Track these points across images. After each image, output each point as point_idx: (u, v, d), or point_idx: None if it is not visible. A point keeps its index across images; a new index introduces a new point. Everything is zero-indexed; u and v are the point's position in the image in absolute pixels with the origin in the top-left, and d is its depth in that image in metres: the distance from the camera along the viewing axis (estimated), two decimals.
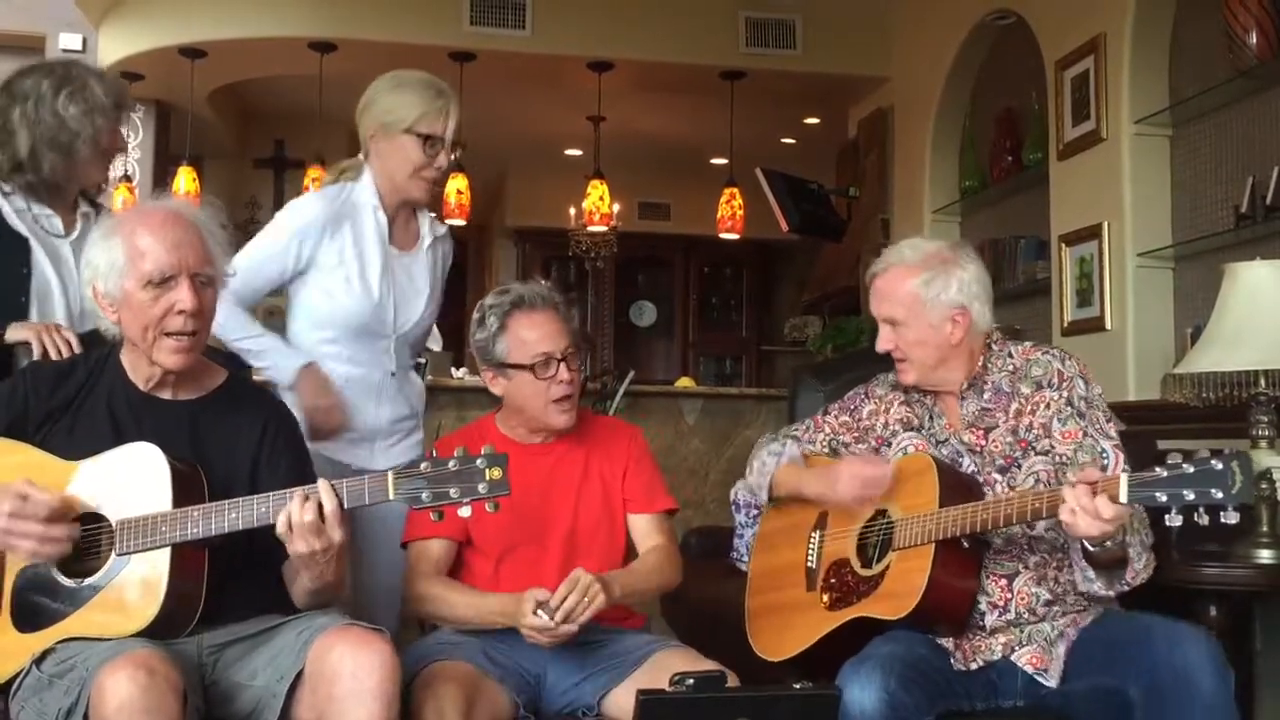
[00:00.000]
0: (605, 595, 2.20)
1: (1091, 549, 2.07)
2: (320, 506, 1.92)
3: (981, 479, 2.30)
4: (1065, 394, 2.30)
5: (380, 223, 2.65)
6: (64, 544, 1.96)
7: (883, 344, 2.36)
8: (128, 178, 6.93)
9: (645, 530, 2.48)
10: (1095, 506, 1.94)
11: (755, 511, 2.63)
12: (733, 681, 2.12)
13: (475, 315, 2.45)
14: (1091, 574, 2.14)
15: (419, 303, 2.71)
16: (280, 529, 1.93)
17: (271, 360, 2.54)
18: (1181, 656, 2.02)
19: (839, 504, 2.34)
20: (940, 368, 2.35)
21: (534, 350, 2.37)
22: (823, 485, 2.35)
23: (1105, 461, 2.22)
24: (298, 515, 1.91)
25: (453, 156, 2.64)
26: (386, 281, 2.64)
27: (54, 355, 2.32)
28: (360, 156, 2.70)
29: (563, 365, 2.37)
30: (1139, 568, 2.13)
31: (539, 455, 2.46)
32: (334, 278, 2.60)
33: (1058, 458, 2.26)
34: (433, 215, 2.78)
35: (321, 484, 1.95)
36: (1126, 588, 2.16)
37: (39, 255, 2.54)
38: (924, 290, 2.31)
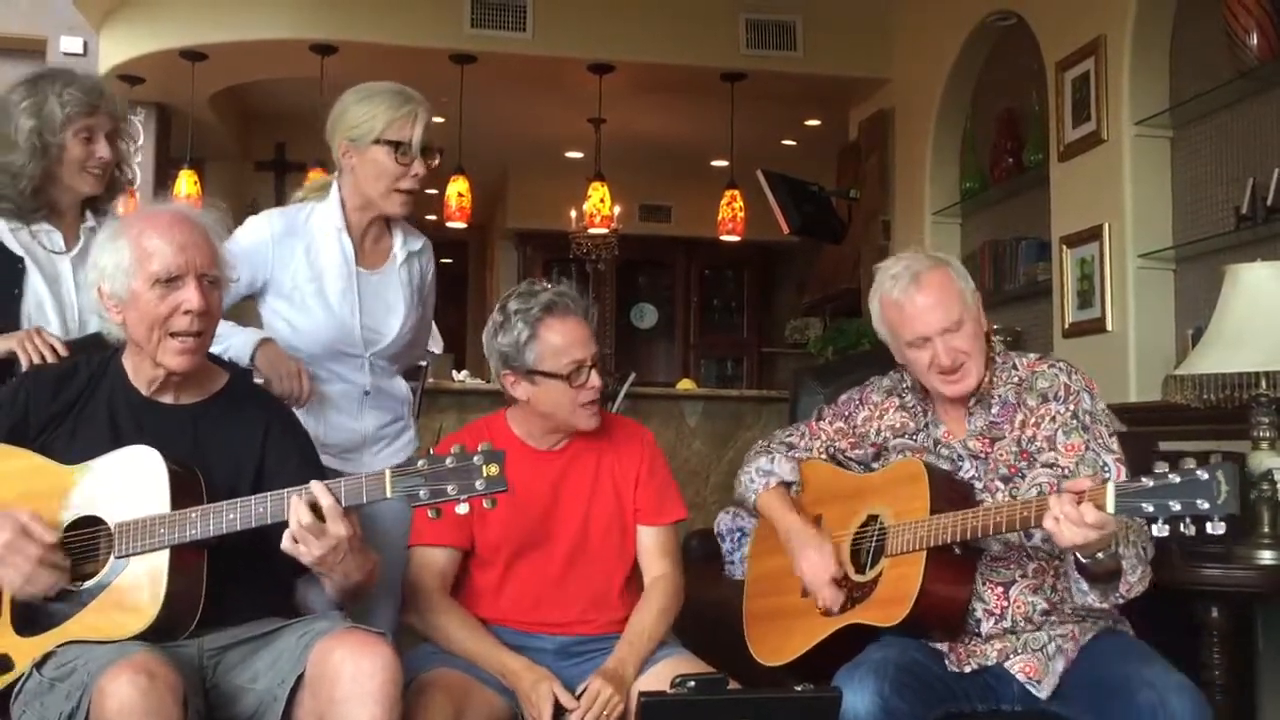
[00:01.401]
0: (622, 697, 2.20)
1: (1084, 560, 2.06)
2: (315, 506, 1.92)
3: (983, 486, 2.29)
4: (1071, 407, 2.28)
5: (343, 243, 2.60)
6: (46, 590, 1.96)
7: (946, 357, 2.25)
8: (129, 181, 6.93)
9: (652, 548, 2.44)
10: (1079, 514, 1.92)
11: (740, 535, 2.64)
12: (734, 686, 2.11)
13: (496, 318, 2.39)
14: (1085, 586, 2.12)
15: (393, 321, 2.64)
16: (286, 544, 1.93)
17: (226, 341, 2.49)
18: (1166, 712, 1.99)
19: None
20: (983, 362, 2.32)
21: (566, 358, 2.32)
22: (788, 547, 2.39)
23: (1106, 475, 2.19)
24: (294, 522, 1.91)
25: (432, 163, 2.57)
26: (349, 301, 2.59)
27: (37, 360, 2.31)
28: (334, 175, 2.66)
29: (593, 371, 2.33)
30: (1133, 580, 2.10)
31: (549, 460, 2.43)
32: (291, 300, 2.57)
33: (1061, 470, 2.24)
34: (409, 229, 2.71)
35: (314, 484, 1.95)
36: (1121, 600, 2.13)
37: (34, 276, 2.51)
38: (964, 284, 2.30)
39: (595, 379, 2.34)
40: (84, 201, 2.63)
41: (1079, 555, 2.05)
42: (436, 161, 2.59)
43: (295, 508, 1.92)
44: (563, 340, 2.33)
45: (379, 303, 2.64)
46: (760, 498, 2.49)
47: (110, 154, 2.58)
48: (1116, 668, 2.12)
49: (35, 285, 2.52)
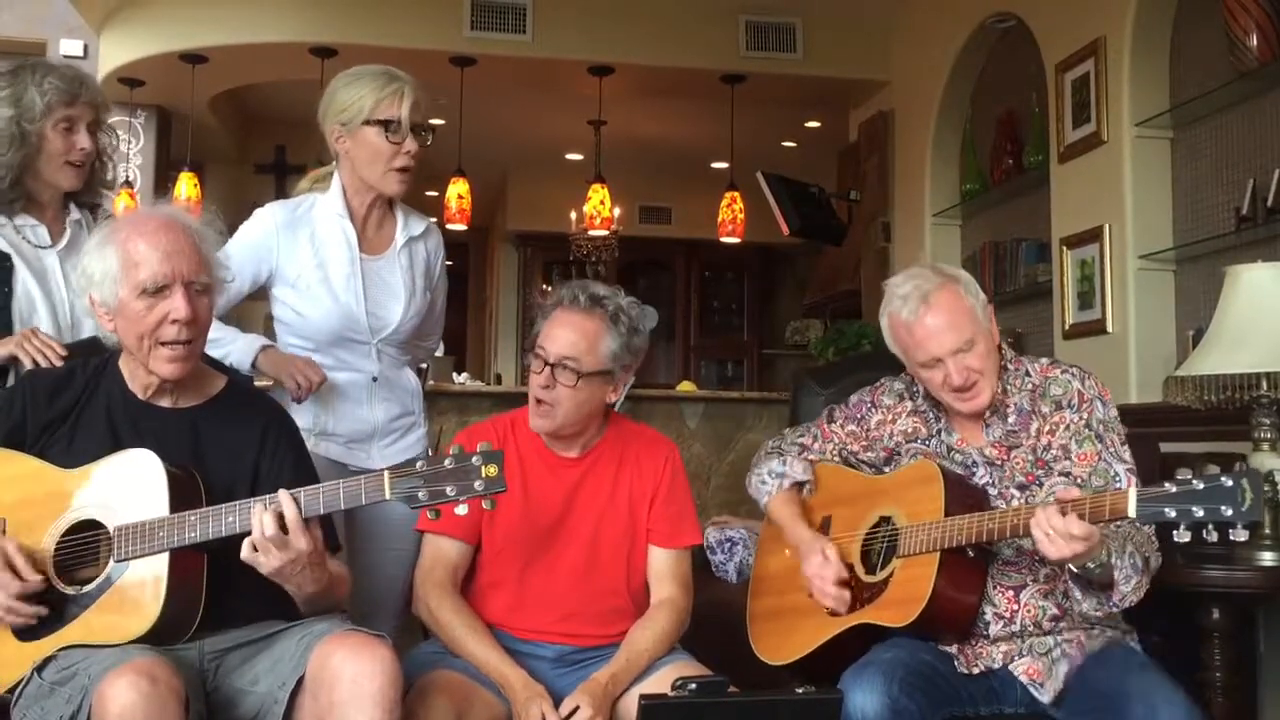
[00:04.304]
0: (605, 715, 2.19)
1: (1075, 570, 2.06)
2: (280, 517, 1.92)
3: (997, 493, 2.28)
4: (1084, 416, 2.27)
5: (346, 230, 2.61)
6: (28, 620, 1.96)
7: (958, 377, 2.24)
8: (129, 183, 6.94)
9: (661, 570, 2.41)
10: (1065, 526, 1.93)
11: (729, 545, 2.62)
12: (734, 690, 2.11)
13: None
14: (1078, 594, 2.11)
15: (395, 305, 2.64)
16: (245, 554, 1.93)
17: (228, 346, 2.50)
18: None
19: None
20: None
21: (538, 341, 2.35)
22: (796, 551, 2.38)
23: (1117, 485, 2.19)
24: (257, 532, 1.91)
25: (425, 141, 2.58)
26: (354, 287, 2.60)
27: (42, 363, 2.30)
28: (333, 164, 2.67)
29: (548, 370, 2.31)
30: (1126, 590, 2.08)
31: (567, 468, 2.41)
32: (297, 288, 2.58)
33: (1075, 480, 2.22)
34: (411, 212, 2.72)
35: (282, 494, 1.94)
36: (1115, 609, 2.12)
37: (22, 272, 2.49)
38: (974, 300, 2.28)
39: (540, 377, 2.31)
40: (65, 195, 2.60)
41: (1071, 565, 2.05)
42: (429, 140, 2.60)
43: (259, 518, 1.91)
44: (549, 327, 2.35)
45: (383, 288, 2.64)
46: (771, 502, 2.49)
47: (91, 145, 2.55)
48: (1116, 681, 2.11)
49: (25, 282, 2.50)
